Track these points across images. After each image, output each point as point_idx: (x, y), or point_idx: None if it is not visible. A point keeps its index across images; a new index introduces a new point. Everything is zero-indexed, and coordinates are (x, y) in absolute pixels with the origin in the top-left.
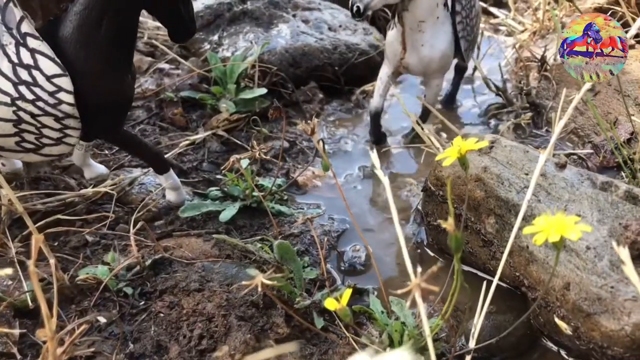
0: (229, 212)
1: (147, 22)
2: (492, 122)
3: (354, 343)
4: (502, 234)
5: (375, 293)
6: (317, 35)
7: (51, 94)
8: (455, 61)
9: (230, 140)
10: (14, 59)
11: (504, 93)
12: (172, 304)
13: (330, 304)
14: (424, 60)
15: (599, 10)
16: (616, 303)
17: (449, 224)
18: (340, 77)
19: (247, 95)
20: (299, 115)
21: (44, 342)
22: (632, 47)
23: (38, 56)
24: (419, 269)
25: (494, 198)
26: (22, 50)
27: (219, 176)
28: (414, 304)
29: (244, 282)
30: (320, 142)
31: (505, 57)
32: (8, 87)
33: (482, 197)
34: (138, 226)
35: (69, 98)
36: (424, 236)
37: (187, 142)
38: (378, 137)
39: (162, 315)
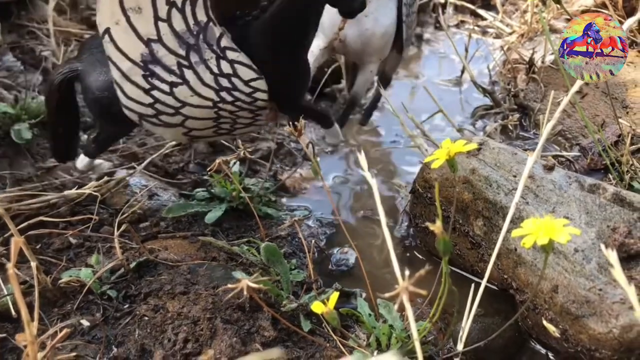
0: (214, 213)
1: None
2: (480, 123)
3: (341, 346)
4: (490, 236)
5: (363, 296)
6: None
7: (248, 94)
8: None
9: (217, 141)
10: (215, 70)
11: (492, 95)
12: (156, 307)
13: (317, 307)
14: (364, 35)
15: (587, 12)
16: (604, 306)
17: (436, 227)
18: (327, 78)
19: None
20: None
21: (25, 347)
22: None
23: (237, 66)
24: (407, 272)
25: (482, 200)
26: (223, 63)
27: (205, 177)
28: (402, 307)
29: (229, 285)
30: (310, 147)
31: (494, 59)
32: (211, 94)
33: (470, 199)
34: (122, 228)
35: (264, 95)
36: (413, 238)
37: (173, 142)
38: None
39: (146, 318)
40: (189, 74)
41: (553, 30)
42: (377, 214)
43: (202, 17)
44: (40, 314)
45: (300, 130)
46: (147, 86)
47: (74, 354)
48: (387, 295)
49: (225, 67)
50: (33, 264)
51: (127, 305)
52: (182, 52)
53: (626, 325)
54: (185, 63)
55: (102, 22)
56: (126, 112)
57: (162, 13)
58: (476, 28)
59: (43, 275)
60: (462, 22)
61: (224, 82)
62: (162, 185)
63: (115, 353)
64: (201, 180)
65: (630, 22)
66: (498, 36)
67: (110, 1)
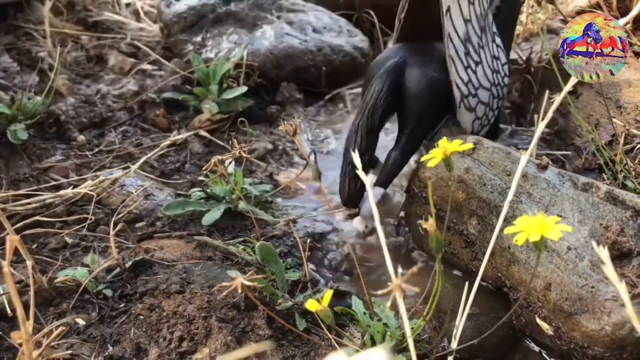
0: (212, 215)
1: (130, 23)
2: None
3: (336, 345)
4: (484, 235)
5: (359, 295)
6: (301, 37)
7: (503, 77)
8: None
9: (213, 142)
10: (493, 52)
11: None
12: (152, 306)
13: (311, 305)
14: None
15: (582, 13)
16: (596, 303)
17: (429, 225)
18: (322, 79)
19: (229, 95)
20: (282, 116)
21: (20, 345)
22: None
23: (499, 50)
24: (400, 270)
25: (476, 199)
26: (494, 46)
27: (201, 177)
28: (395, 304)
29: (224, 284)
30: (312, 155)
31: None
32: (490, 75)
33: (464, 198)
34: (118, 228)
35: (507, 80)
36: (408, 238)
37: (169, 142)
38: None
39: (142, 317)
40: (483, 54)
41: (549, 30)
42: (376, 213)
43: (486, 2)
44: (36, 313)
45: (295, 130)
46: (465, 63)
47: (69, 352)
48: (379, 292)
49: (495, 50)
50: (29, 262)
51: (122, 305)
52: (480, 34)
53: (618, 322)
54: (482, 43)
55: (445, 1)
56: (455, 89)
57: None
58: None
59: (39, 274)
60: None
61: (494, 65)
62: (158, 185)
63: (110, 352)
64: (197, 181)
65: (623, 21)
66: None
67: None
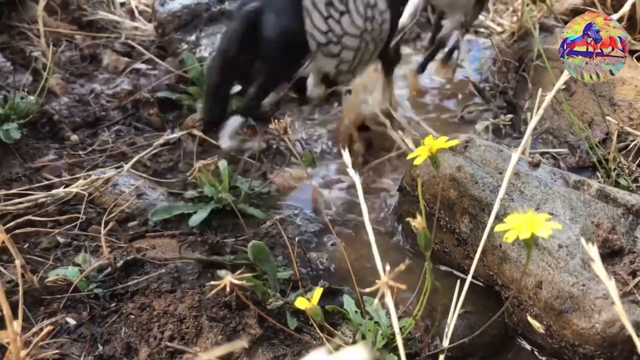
0: (199, 215)
1: (125, 22)
2: (470, 121)
3: (327, 343)
4: (476, 233)
5: (351, 293)
6: None
7: (381, 24)
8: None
9: (206, 141)
10: (368, 1)
11: (482, 92)
12: (143, 305)
13: (301, 303)
14: None
15: (576, 11)
16: (587, 301)
17: (417, 222)
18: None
19: None
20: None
21: (9, 344)
22: None
23: None
24: (387, 267)
25: (467, 197)
26: None
27: (192, 178)
28: (384, 299)
29: (212, 283)
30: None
31: (484, 57)
32: (361, 22)
33: (456, 196)
34: (109, 227)
35: (388, 26)
36: (401, 236)
37: (162, 142)
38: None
39: (132, 316)
40: (352, 3)
41: (543, 28)
42: (368, 210)
43: None
44: (26, 312)
45: (285, 128)
46: (326, 14)
47: (57, 351)
48: (367, 290)
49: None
50: (18, 262)
51: (113, 304)
52: None
53: (609, 321)
54: None
55: None
56: (309, 39)
57: None
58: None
59: (30, 274)
60: None
61: (369, 13)
62: (151, 185)
63: (100, 351)
64: (190, 180)
65: (615, 17)
66: (489, 35)
67: None
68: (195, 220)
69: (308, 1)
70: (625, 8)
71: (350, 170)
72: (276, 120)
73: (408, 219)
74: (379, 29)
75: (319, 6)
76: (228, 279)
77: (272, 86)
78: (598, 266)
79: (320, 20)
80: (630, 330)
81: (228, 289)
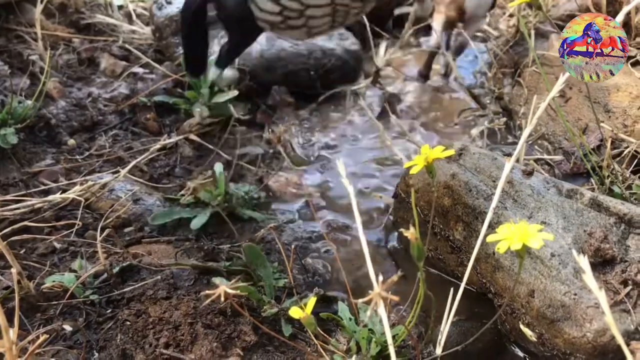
0: (200, 219)
1: (122, 25)
2: (465, 126)
3: (322, 351)
4: (469, 241)
5: (346, 300)
6: (292, 40)
7: None
8: None
9: (203, 146)
10: None
11: (477, 98)
12: (139, 311)
13: (295, 312)
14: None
15: (572, 17)
16: (579, 310)
17: (410, 233)
18: (315, 82)
19: (220, 98)
20: (273, 119)
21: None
22: None
23: None
24: (380, 278)
25: (461, 205)
26: None
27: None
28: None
29: (207, 292)
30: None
31: (480, 62)
32: None
33: (450, 204)
34: (105, 233)
35: None
36: (396, 243)
37: (159, 146)
38: None
39: (128, 323)
40: None
41: (539, 34)
42: (365, 218)
43: None
44: (22, 319)
45: (279, 137)
46: None
47: (54, 359)
48: (360, 301)
49: None
50: (14, 269)
51: (109, 310)
52: None
53: (600, 330)
54: None
55: None
56: (259, 22)
57: None
58: (463, 31)
59: (26, 280)
60: None
61: None
62: (148, 190)
63: (96, 358)
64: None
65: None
66: (485, 40)
67: None
68: (196, 223)
69: None
70: (623, 12)
71: (344, 180)
72: (271, 130)
73: (402, 229)
74: None
75: None
76: (223, 288)
77: (240, 47)
78: (589, 277)
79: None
80: (620, 341)
81: (223, 298)
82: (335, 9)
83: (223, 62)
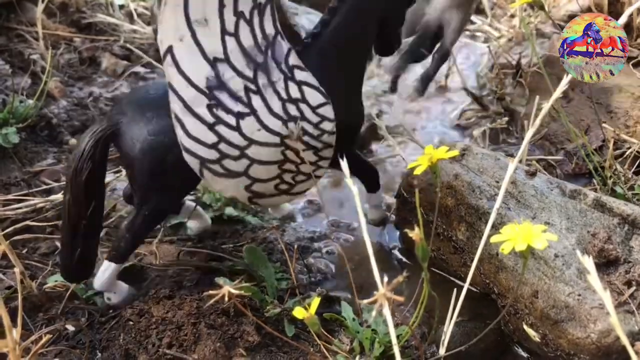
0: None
1: (124, 25)
2: (467, 127)
3: (325, 351)
4: (472, 242)
5: (349, 300)
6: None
7: (315, 125)
8: None
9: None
10: (284, 95)
11: (479, 99)
12: (141, 311)
13: (298, 312)
14: None
15: (573, 17)
16: (583, 311)
17: (415, 234)
18: None
19: None
20: None
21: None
22: None
23: (305, 88)
24: (385, 279)
25: (464, 205)
26: (291, 85)
27: None
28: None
29: (211, 292)
30: None
31: (482, 63)
32: (278, 126)
33: (453, 204)
34: (106, 232)
35: (331, 126)
36: (399, 243)
37: None
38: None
39: (131, 323)
40: (256, 101)
41: (540, 34)
42: (368, 216)
43: (270, 29)
44: (25, 319)
45: None
46: (211, 120)
47: (57, 359)
48: (365, 302)
49: (294, 91)
50: (17, 269)
51: (112, 310)
52: (250, 74)
53: (604, 330)
54: (253, 87)
55: (165, 39)
56: (186, 156)
57: (230, 25)
58: (465, 32)
59: (29, 280)
60: None
61: (292, 110)
62: None
63: (99, 358)
64: None
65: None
66: (486, 40)
67: (174, 12)
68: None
69: (178, 105)
70: (626, 14)
71: (348, 180)
72: None
73: (406, 230)
74: (318, 130)
75: (198, 110)
76: (226, 288)
77: (153, 220)
78: (594, 278)
79: (201, 130)
80: (625, 342)
81: (227, 298)
82: (284, 154)
83: (122, 248)
